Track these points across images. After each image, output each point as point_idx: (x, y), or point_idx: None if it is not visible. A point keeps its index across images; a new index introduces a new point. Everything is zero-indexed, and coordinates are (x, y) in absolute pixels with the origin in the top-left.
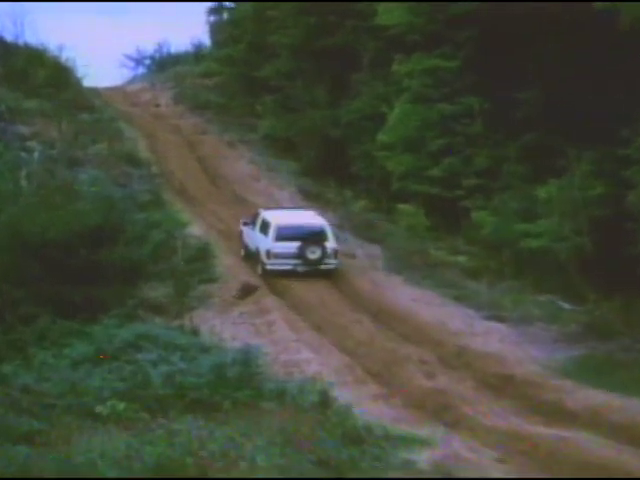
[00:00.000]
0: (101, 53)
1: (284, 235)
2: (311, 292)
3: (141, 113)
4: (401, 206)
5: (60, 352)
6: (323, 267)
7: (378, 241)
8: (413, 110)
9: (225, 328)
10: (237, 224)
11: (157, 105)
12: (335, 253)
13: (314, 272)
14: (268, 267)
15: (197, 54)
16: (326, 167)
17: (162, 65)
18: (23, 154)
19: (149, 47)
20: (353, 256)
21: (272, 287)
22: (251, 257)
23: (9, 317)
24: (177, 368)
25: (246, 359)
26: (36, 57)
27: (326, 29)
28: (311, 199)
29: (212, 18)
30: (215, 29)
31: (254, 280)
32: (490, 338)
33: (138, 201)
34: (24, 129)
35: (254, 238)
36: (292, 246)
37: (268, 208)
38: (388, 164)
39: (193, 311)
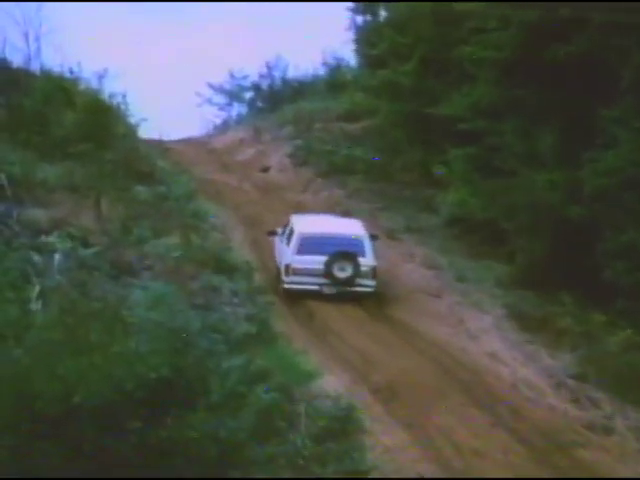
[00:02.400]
0: (169, 82)
1: (309, 247)
2: None
3: (237, 183)
4: None
5: None
6: (357, 289)
7: None
8: None
9: None
10: (405, 375)
11: (265, 169)
12: (372, 272)
13: (344, 295)
14: (286, 286)
15: (333, 81)
16: (557, 272)
17: (273, 100)
18: (36, 257)
19: (251, 71)
20: (608, 430)
21: None
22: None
23: None
24: None
25: None
26: (61, 92)
27: (558, 32)
28: (531, 327)
29: (360, 20)
30: (365, 39)
31: (432, 470)
32: None
33: (231, 336)
34: (39, 213)
35: (280, 251)
36: (317, 260)
37: (298, 212)
38: None
39: None
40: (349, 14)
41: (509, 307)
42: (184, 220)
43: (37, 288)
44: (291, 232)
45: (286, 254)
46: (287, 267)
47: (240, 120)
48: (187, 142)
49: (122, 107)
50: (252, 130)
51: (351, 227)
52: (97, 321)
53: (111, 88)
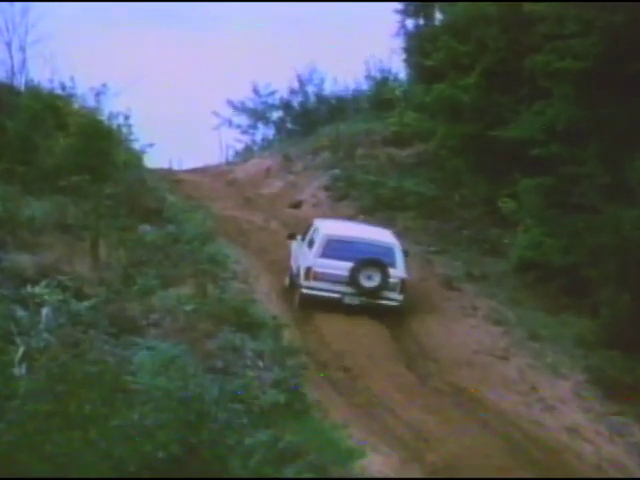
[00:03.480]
0: (181, 100)
1: (334, 251)
2: None
3: (263, 221)
4: None
5: None
6: (382, 302)
7: None
8: None
9: None
10: (467, 454)
11: (296, 204)
12: (401, 285)
13: (367, 308)
14: (304, 291)
15: (378, 97)
16: None
17: (306, 121)
18: (20, 311)
19: (279, 86)
20: None
21: None
22: (293, 284)
23: None
24: None
25: None
26: (50, 112)
27: None
28: (618, 395)
29: (411, 24)
30: (417, 47)
31: None
32: None
33: (255, 406)
34: (24, 259)
35: (299, 255)
36: (342, 266)
37: (325, 217)
38: None
39: None
40: (398, 17)
41: (592, 371)
42: (198, 267)
43: (21, 349)
44: (315, 234)
45: (307, 257)
46: (308, 270)
47: (266, 145)
48: (202, 172)
49: (124, 130)
50: (281, 157)
51: (381, 234)
52: (93, 389)
53: (111, 107)
